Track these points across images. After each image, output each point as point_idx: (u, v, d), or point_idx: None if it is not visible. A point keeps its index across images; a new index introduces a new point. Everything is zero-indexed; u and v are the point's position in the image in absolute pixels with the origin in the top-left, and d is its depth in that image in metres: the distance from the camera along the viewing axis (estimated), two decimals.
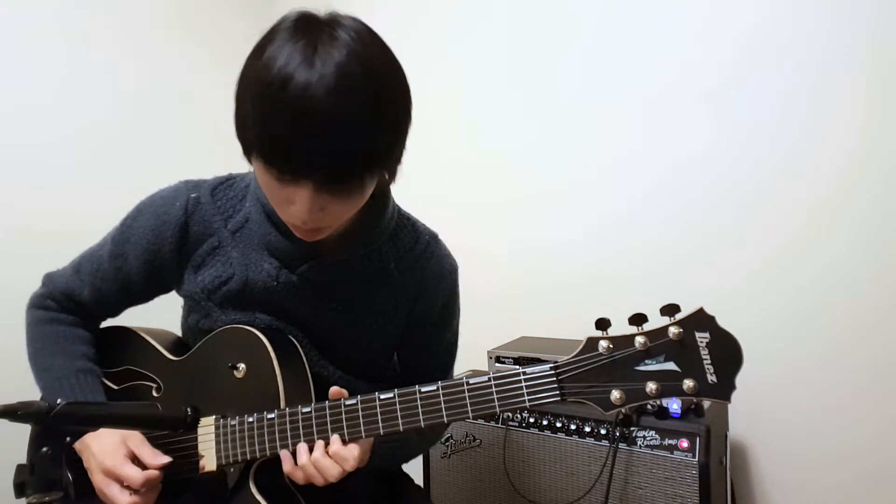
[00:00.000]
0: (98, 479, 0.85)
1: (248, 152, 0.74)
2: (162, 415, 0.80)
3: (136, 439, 0.87)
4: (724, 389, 0.70)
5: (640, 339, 0.72)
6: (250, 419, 0.85)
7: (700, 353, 0.71)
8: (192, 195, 0.95)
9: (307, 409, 0.82)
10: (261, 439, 0.84)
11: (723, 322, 0.71)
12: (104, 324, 1.08)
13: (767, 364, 1.46)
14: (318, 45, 0.67)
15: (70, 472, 0.84)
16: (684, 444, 1.20)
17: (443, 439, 1.50)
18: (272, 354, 0.87)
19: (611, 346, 0.73)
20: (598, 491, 1.28)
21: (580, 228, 1.74)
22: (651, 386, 0.71)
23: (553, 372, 0.74)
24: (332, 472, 0.78)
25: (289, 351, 0.91)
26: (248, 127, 0.71)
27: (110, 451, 0.85)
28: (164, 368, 0.99)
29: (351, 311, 0.96)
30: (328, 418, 0.81)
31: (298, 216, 0.74)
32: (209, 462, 0.87)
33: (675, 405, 1.23)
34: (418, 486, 1.19)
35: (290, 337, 0.94)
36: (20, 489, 0.85)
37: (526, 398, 0.75)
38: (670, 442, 1.22)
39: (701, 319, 0.71)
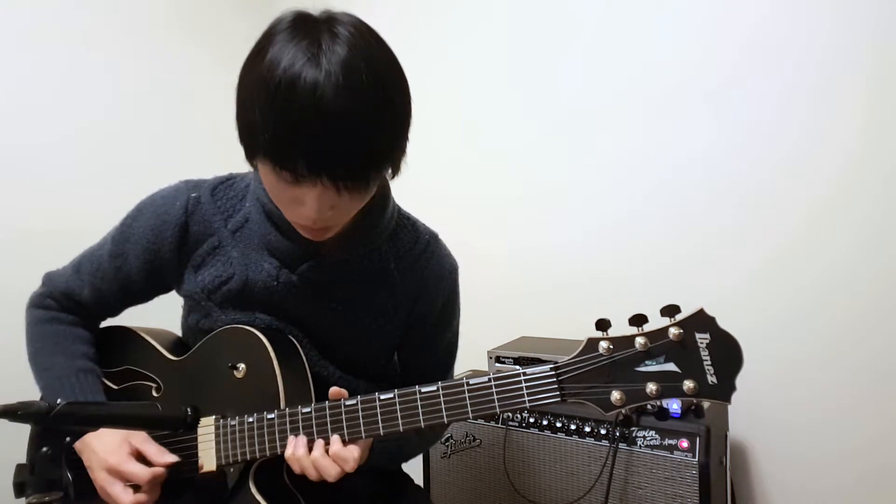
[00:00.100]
0: (100, 477, 0.84)
1: (254, 156, 0.73)
2: (162, 415, 0.80)
3: (139, 437, 0.87)
4: (725, 390, 0.70)
5: (640, 340, 0.72)
6: (250, 419, 0.85)
7: (700, 354, 0.71)
8: (193, 195, 0.95)
9: (307, 410, 0.82)
10: (261, 439, 0.84)
11: (723, 322, 0.71)
12: (104, 324, 1.07)
13: (767, 364, 1.46)
14: (322, 42, 0.67)
15: (70, 471, 0.84)
16: (684, 444, 1.20)
17: (443, 439, 1.50)
18: (272, 354, 0.87)
19: (611, 346, 0.73)
20: (598, 491, 1.28)
21: (580, 228, 1.74)
22: (651, 387, 0.71)
23: (553, 372, 0.74)
24: (331, 472, 0.78)
25: (289, 351, 0.91)
26: (255, 132, 0.69)
27: (113, 449, 0.84)
28: (164, 368, 0.99)
29: (351, 311, 0.96)
30: (328, 418, 0.81)
31: (308, 216, 0.74)
32: (209, 462, 0.87)
33: (675, 405, 1.23)
34: (418, 486, 1.19)
35: (290, 337, 0.94)
36: (20, 489, 0.85)
37: (526, 399, 0.74)
38: (670, 442, 1.22)
39: (701, 320, 0.71)
